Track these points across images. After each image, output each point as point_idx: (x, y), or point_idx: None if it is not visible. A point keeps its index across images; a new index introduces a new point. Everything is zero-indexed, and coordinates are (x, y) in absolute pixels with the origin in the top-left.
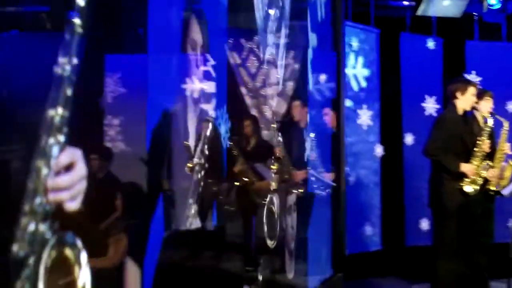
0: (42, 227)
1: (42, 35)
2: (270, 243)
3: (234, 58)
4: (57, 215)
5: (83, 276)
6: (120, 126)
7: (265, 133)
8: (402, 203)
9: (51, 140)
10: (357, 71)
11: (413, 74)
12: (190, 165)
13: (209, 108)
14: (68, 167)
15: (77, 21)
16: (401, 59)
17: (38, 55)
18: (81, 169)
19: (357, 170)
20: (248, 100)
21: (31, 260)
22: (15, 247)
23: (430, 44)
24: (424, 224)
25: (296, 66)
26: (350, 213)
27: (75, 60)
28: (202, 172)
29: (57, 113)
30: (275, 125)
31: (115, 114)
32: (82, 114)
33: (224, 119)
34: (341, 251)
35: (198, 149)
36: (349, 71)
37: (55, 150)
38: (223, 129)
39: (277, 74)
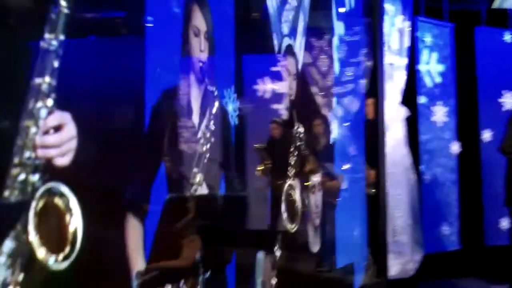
0: (32, 178)
1: (117, 40)
2: (291, 226)
3: (305, 57)
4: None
5: (73, 223)
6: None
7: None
8: (481, 201)
9: (39, 104)
10: (430, 66)
11: (489, 68)
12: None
13: (281, 108)
14: (57, 128)
15: None
16: (477, 53)
17: (114, 59)
18: (70, 130)
19: (433, 168)
20: (319, 100)
21: (21, 206)
22: (6, 193)
23: (507, 37)
24: (504, 223)
25: (369, 63)
26: (426, 212)
27: (61, 36)
28: (208, 145)
29: (44, 81)
30: (347, 124)
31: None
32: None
33: (231, 98)
34: (383, 257)
35: (203, 125)
36: (422, 67)
37: (43, 112)
38: (231, 107)
39: (349, 72)
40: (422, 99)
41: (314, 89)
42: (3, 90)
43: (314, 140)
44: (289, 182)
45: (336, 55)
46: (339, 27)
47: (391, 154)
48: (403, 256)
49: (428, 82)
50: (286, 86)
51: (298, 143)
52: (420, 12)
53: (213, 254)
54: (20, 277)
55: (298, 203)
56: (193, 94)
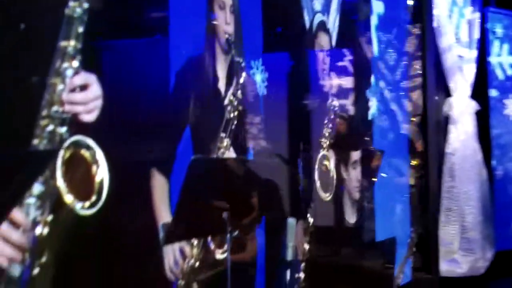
0: (60, 130)
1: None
2: (325, 195)
3: (372, 52)
4: None
5: (100, 174)
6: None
7: (404, 127)
8: None
9: (65, 64)
10: (502, 59)
11: None
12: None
13: (347, 103)
14: (83, 87)
15: None
16: None
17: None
18: (95, 89)
19: (505, 164)
20: (386, 94)
21: (49, 154)
22: (35, 142)
23: None
24: None
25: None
26: (498, 209)
27: (85, 4)
28: (236, 113)
29: (70, 44)
30: (415, 119)
31: (257, 113)
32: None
33: (259, 70)
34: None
35: (230, 93)
36: (493, 59)
37: (69, 72)
38: (259, 78)
39: (417, 65)
40: (493, 92)
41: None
42: (35, 51)
43: (350, 116)
44: (322, 152)
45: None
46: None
47: (461, 149)
48: (474, 254)
49: (499, 74)
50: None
51: (333, 116)
52: (490, 3)
53: (241, 215)
54: (49, 218)
55: (333, 174)
56: (218, 63)
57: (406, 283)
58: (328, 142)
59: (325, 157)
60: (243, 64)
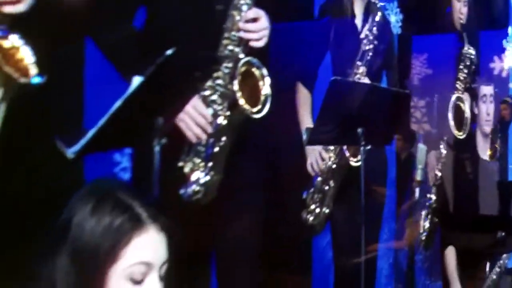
0: (237, 49)
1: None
2: (459, 134)
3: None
4: None
5: (265, 90)
6: (425, 108)
7: None
8: None
9: (242, 1)
10: None
11: None
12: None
13: None
14: (255, 20)
15: None
16: None
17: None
18: (264, 22)
19: None
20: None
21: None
22: (218, 53)
23: None
24: None
25: None
26: None
27: None
28: (371, 46)
29: None
30: None
31: (421, 96)
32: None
33: (394, 11)
34: None
35: (366, 28)
36: None
37: (244, 7)
38: (393, 19)
39: None
40: None
41: None
42: None
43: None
44: (457, 94)
45: None
46: None
47: None
48: None
49: None
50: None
51: (468, 63)
52: None
53: (373, 130)
54: (227, 113)
55: (467, 115)
56: (356, 3)
57: None
58: (463, 85)
59: (459, 99)
60: (378, 5)
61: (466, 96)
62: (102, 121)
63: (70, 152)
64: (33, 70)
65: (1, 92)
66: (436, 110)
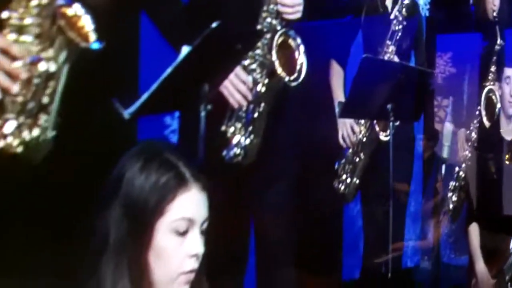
0: (274, 22)
1: (370, 19)
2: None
3: None
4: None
5: (300, 59)
6: (449, 107)
7: None
8: None
9: None
10: None
11: None
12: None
13: None
14: None
15: None
16: None
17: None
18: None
19: None
20: None
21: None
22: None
23: None
24: None
25: None
26: None
27: None
28: (400, 26)
29: None
30: None
31: (445, 95)
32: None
33: None
34: None
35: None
36: None
37: None
38: (422, 1)
39: None
40: None
41: None
42: None
43: None
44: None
45: None
46: None
47: None
48: None
49: None
50: None
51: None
52: None
53: (402, 106)
54: (266, 80)
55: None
56: None
57: None
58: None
59: (491, 91)
60: None
61: (496, 87)
62: (154, 86)
63: (126, 113)
64: (92, 36)
65: (65, 54)
66: (463, 108)
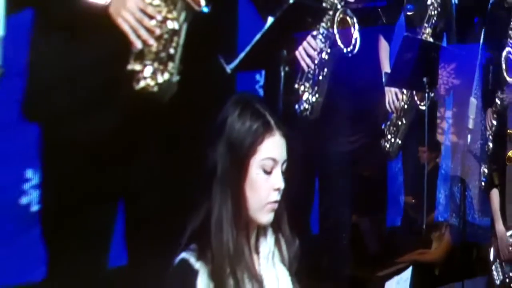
0: (336, 1)
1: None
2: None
3: None
4: None
5: (355, 34)
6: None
7: None
8: None
9: None
10: None
11: None
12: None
13: None
14: None
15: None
16: None
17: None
18: None
19: None
20: None
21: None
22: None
23: None
24: None
25: None
26: None
27: None
28: (435, 11)
29: None
30: None
31: (448, 106)
32: None
33: None
34: None
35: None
36: None
37: None
38: None
39: None
40: None
41: None
42: None
43: None
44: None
45: None
46: None
47: None
48: None
49: None
50: None
51: None
52: None
53: (435, 80)
54: (328, 50)
55: None
56: None
57: None
58: None
59: None
60: None
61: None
62: (247, 48)
63: (229, 68)
64: (203, 2)
65: (184, 15)
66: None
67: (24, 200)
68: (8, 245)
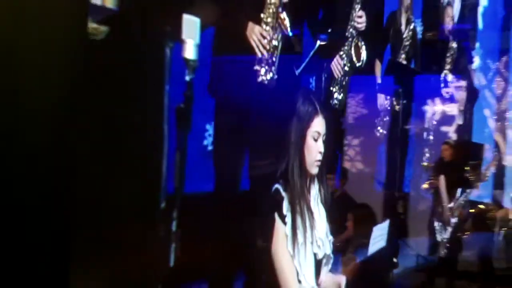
0: (353, 31)
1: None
2: None
3: (480, 80)
4: None
5: (363, 55)
6: (359, 147)
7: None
8: None
9: (356, 5)
10: None
11: None
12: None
13: (450, 130)
14: (360, 16)
15: None
16: None
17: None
18: (364, 17)
19: None
20: (491, 124)
21: (350, 39)
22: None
23: None
24: None
25: None
26: None
27: None
28: (408, 43)
29: None
30: None
31: (355, 134)
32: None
33: None
34: None
35: None
36: None
37: (357, 8)
38: None
39: None
40: None
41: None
42: None
43: None
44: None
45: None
46: None
47: None
48: None
49: None
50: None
51: None
52: None
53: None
54: (348, 64)
55: None
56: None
57: None
58: None
59: None
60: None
61: None
62: (305, 61)
63: (297, 72)
64: (290, 31)
65: (280, 37)
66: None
67: (205, 142)
68: (196, 169)
